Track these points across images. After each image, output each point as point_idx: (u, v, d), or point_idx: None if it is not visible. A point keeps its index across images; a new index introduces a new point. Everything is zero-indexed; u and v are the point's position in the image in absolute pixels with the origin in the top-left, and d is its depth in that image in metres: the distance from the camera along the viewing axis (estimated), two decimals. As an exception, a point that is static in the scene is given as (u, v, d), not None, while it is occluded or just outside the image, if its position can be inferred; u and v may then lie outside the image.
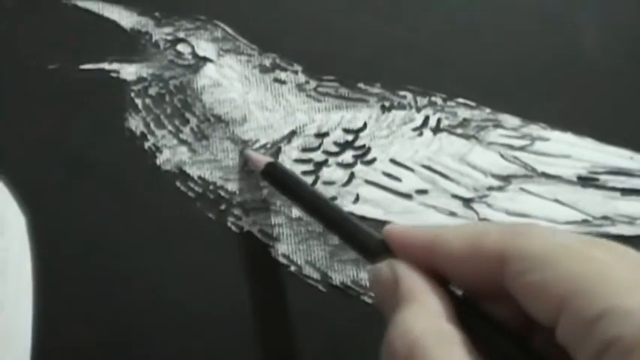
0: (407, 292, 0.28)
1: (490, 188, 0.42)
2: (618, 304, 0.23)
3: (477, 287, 0.28)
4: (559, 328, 0.25)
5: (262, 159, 0.41)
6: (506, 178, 0.43)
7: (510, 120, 0.44)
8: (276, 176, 0.40)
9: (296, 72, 0.44)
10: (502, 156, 0.43)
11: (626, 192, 0.43)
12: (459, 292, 0.29)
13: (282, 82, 0.44)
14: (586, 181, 0.43)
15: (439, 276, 0.29)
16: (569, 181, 0.43)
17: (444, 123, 0.44)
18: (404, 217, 0.42)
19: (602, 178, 0.43)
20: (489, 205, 0.42)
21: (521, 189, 0.43)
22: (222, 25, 0.45)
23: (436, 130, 0.43)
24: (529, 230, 0.27)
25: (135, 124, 0.42)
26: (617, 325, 0.23)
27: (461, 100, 0.44)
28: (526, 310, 0.26)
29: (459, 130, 0.43)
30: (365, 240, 0.33)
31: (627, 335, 0.23)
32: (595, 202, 0.43)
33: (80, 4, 0.44)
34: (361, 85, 0.44)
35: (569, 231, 0.41)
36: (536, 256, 0.26)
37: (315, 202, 0.37)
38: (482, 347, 0.26)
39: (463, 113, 0.44)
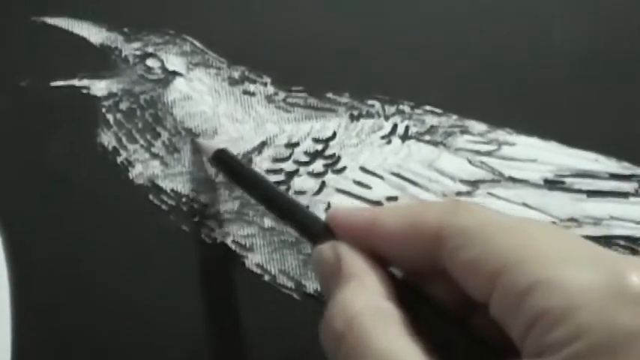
0: (347, 271, 0.28)
1: (459, 193, 0.43)
2: (548, 276, 0.23)
3: (416, 267, 0.28)
4: (491, 303, 0.25)
5: (211, 146, 0.41)
6: (475, 184, 0.43)
7: (477, 126, 0.44)
8: (226, 163, 0.40)
9: (265, 84, 0.44)
10: (470, 161, 0.44)
11: (592, 194, 0.43)
12: (400, 274, 0.29)
13: (252, 94, 0.44)
14: (552, 184, 0.43)
15: (380, 257, 0.29)
16: (536, 185, 0.43)
17: (412, 130, 0.44)
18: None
19: (568, 180, 0.44)
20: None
21: (489, 194, 0.43)
22: (190, 39, 0.45)
23: (404, 137, 0.44)
24: (465, 207, 0.27)
25: (107, 139, 0.43)
26: (546, 297, 0.23)
27: (428, 107, 0.45)
28: (463, 287, 0.26)
29: (427, 137, 0.44)
30: (309, 223, 0.33)
31: (556, 307, 0.23)
32: (562, 204, 0.43)
33: (49, 20, 0.44)
34: (330, 95, 0.44)
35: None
36: (470, 231, 0.26)
37: (261, 187, 0.38)
38: (421, 328, 0.26)
39: (431, 120, 0.44)
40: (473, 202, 0.29)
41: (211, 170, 0.42)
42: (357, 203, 0.42)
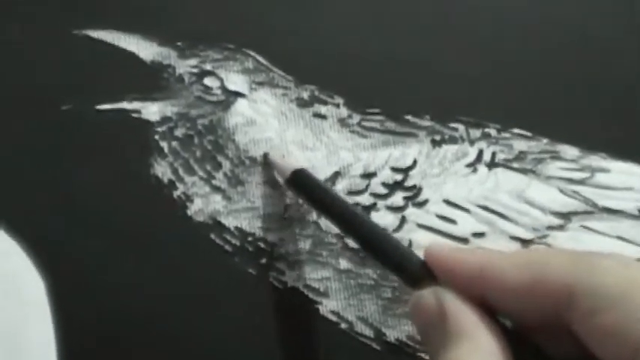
0: (457, 327, 0.26)
1: (550, 227, 0.39)
2: None
3: (533, 322, 0.26)
4: None
5: (288, 165, 0.37)
6: (567, 216, 0.40)
7: (569, 151, 0.41)
8: (305, 185, 0.36)
9: (337, 105, 0.40)
10: (561, 191, 0.40)
11: None
12: (508, 324, 0.27)
13: (323, 117, 0.40)
14: None
15: (486, 305, 0.27)
16: (632, 216, 0.40)
17: (500, 157, 0.40)
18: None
19: None
20: (549, 247, 0.39)
21: (583, 226, 0.40)
22: (253, 54, 0.41)
23: (491, 164, 0.40)
24: (599, 262, 0.25)
25: (161, 170, 0.39)
26: None
27: (516, 130, 0.41)
28: (594, 352, 0.24)
29: (516, 164, 0.40)
30: (404, 261, 0.30)
31: None
32: None
33: (93, 34, 0.40)
34: (409, 118, 0.41)
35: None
36: (609, 293, 0.24)
37: (347, 215, 0.34)
38: None
39: (519, 145, 0.41)
40: (607, 255, 0.26)
41: (281, 198, 0.39)
42: (440, 240, 0.38)
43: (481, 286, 0.26)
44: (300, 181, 0.37)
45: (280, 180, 0.38)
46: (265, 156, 0.39)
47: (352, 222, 0.34)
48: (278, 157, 0.38)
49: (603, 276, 0.24)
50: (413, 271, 0.29)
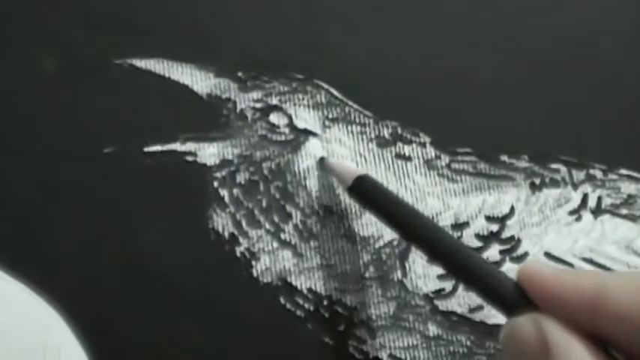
0: None
1: None
2: None
3: None
4: None
5: (350, 171, 0.34)
6: None
7: None
8: (369, 194, 0.33)
9: (424, 144, 0.36)
10: None
11: None
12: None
13: (407, 159, 0.36)
14: None
15: (597, 337, 0.23)
16: None
17: (606, 202, 0.36)
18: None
19: None
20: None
21: None
22: (325, 86, 0.36)
23: (597, 211, 0.36)
24: None
25: (221, 222, 0.34)
26: None
27: (624, 171, 0.37)
28: None
29: (624, 211, 0.36)
30: (493, 282, 0.26)
31: None
32: None
33: (139, 64, 0.35)
34: (505, 158, 0.36)
35: None
36: None
37: (421, 228, 0.30)
38: None
39: (627, 188, 0.37)
40: None
41: (360, 254, 0.34)
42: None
43: (594, 315, 0.23)
44: (365, 188, 0.33)
45: (340, 188, 0.34)
46: (322, 160, 0.35)
47: (426, 235, 0.30)
48: (337, 162, 0.35)
49: None
50: (506, 295, 0.26)
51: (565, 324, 0.24)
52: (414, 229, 0.31)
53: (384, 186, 0.34)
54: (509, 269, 0.34)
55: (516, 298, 0.25)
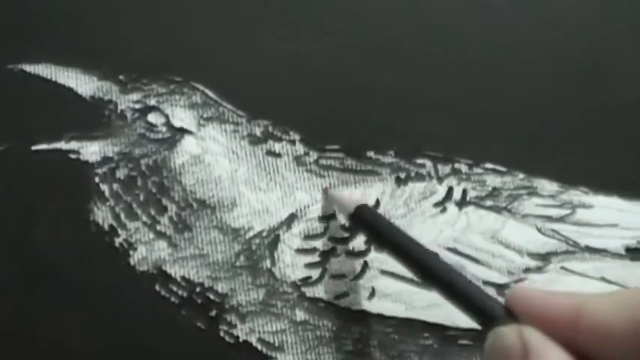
0: None
1: (527, 270, 0.37)
2: None
3: None
4: None
5: (351, 200, 0.35)
6: (545, 257, 0.37)
7: (547, 186, 0.38)
8: (368, 222, 0.34)
9: (293, 142, 0.38)
10: (539, 230, 0.38)
11: None
12: None
13: (277, 155, 0.38)
14: (636, 252, 0.38)
15: (576, 352, 0.24)
16: (616, 255, 0.38)
17: (471, 194, 0.38)
18: (429, 312, 0.36)
19: None
20: (528, 291, 0.36)
21: (563, 268, 0.37)
22: (201, 87, 0.38)
23: (462, 203, 0.37)
24: None
25: (102, 215, 0.36)
26: None
27: (489, 165, 0.38)
28: None
29: (489, 202, 0.38)
30: (481, 300, 0.28)
31: None
32: None
33: (28, 68, 0.37)
34: (371, 155, 0.38)
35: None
36: None
37: (415, 252, 0.32)
38: None
39: (492, 181, 0.38)
40: None
41: (232, 244, 0.36)
42: (406, 287, 0.35)
43: (575, 332, 0.24)
44: (364, 216, 0.35)
45: (342, 216, 0.36)
46: (325, 191, 0.37)
47: (421, 259, 0.31)
48: (339, 192, 0.37)
49: None
50: (492, 312, 0.27)
51: (547, 336, 0.25)
52: (407, 252, 0.32)
53: (381, 214, 0.36)
54: (374, 259, 0.36)
55: (501, 314, 0.26)
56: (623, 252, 0.38)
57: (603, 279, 0.37)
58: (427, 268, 0.31)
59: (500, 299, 0.27)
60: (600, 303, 0.24)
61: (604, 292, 0.25)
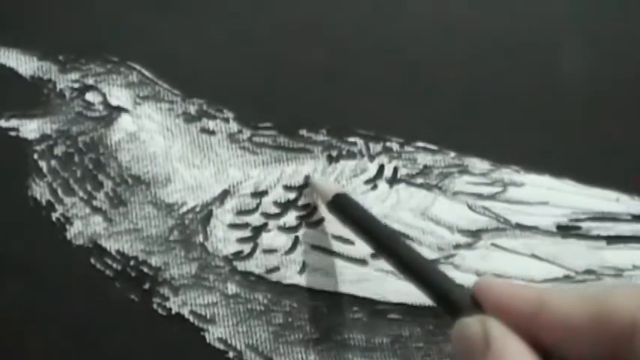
0: (501, 357, 0.25)
1: (457, 246, 0.38)
2: None
3: None
4: None
5: (330, 189, 0.36)
6: (476, 234, 0.38)
7: (478, 164, 0.39)
8: (346, 209, 0.35)
9: (227, 120, 0.38)
10: (470, 207, 0.38)
11: (613, 240, 0.38)
12: None
13: (211, 133, 0.38)
14: (566, 230, 0.38)
15: (538, 346, 0.25)
16: (547, 232, 0.38)
17: (402, 172, 0.38)
18: (359, 286, 0.36)
19: (585, 225, 0.38)
20: (457, 267, 0.37)
21: (493, 245, 0.38)
22: (137, 67, 0.39)
23: (392, 181, 0.38)
24: None
25: (39, 191, 0.37)
26: None
27: (420, 143, 0.39)
28: None
29: (420, 180, 0.38)
30: (449, 290, 0.29)
31: None
32: (577, 254, 0.38)
33: None
34: (304, 133, 0.39)
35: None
36: None
37: (389, 240, 0.33)
38: None
39: (423, 159, 0.39)
40: None
41: (165, 219, 0.36)
42: (337, 262, 0.36)
43: (536, 325, 0.25)
44: (342, 204, 0.35)
45: (321, 203, 0.37)
46: (307, 178, 0.37)
47: (393, 247, 0.33)
48: (320, 180, 0.37)
49: None
50: (459, 302, 0.28)
51: (510, 328, 0.25)
52: (382, 241, 0.33)
53: (359, 203, 0.36)
54: (305, 234, 0.37)
55: (468, 305, 0.27)
56: (554, 229, 0.38)
57: (534, 256, 0.38)
58: (400, 258, 0.32)
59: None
60: (561, 297, 0.25)
61: (566, 286, 0.26)
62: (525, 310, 0.25)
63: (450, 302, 0.28)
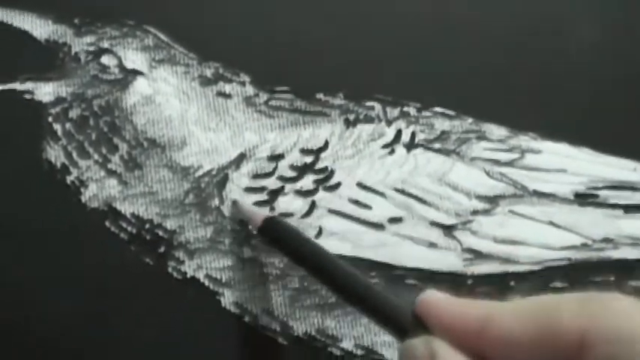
0: None
1: (475, 212, 0.37)
2: None
3: None
4: None
5: (259, 213, 0.35)
6: (493, 200, 0.37)
7: (496, 130, 0.39)
8: (277, 234, 0.34)
9: (243, 83, 0.38)
10: (487, 173, 0.38)
11: (630, 209, 0.38)
12: None
13: (227, 96, 0.38)
14: (584, 198, 0.38)
15: None
16: (564, 200, 0.38)
17: (420, 137, 0.38)
18: (376, 251, 0.36)
19: (603, 194, 0.38)
20: (474, 233, 0.37)
21: (511, 211, 0.37)
22: (153, 30, 0.39)
23: (410, 146, 0.38)
24: (613, 304, 0.23)
25: (54, 154, 0.37)
26: None
27: (438, 109, 0.39)
28: None
29: (437, 145, 0.38)
30: (392, 310, 0.28)
31: None
32: (595, 222, 0.38)
33: None
34: (321, 96, 0.38)
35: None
36: (628, 338, 0.22)
37: (325, 264, 0.32)
38: None
39: (441, 125, 0.39)
40: (619, 296, 0.24)
41: (181, 183, 0.36)
42: (354, 227, 0.35)
43: (481, 342, 0.25)
44: (273, 229, 0.35)
45: (251, 227, 0.36)
46: (234, 203, 0.36)
47: (331, 271, 0.31)
48: (247, 204, 0.36)
49: (619, 319, 0.23)
50: (403, 323, 0.27)
51: (456, 347, 0.25)
52: (317, 264, 0.32)
53: (292, 225, 0.35)
54: (322, 198, 0.37)
55: (412, 324, 0.26)
56: (571, 197, 0.38)
57: (551, 223, 0.37)
58: (340, 284, 0.31)
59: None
60: (505, 313, 0.25)
61: (510, 301, 0.25)
62: (470, 328, 0.25)
63: (395, 323, 0.28)
